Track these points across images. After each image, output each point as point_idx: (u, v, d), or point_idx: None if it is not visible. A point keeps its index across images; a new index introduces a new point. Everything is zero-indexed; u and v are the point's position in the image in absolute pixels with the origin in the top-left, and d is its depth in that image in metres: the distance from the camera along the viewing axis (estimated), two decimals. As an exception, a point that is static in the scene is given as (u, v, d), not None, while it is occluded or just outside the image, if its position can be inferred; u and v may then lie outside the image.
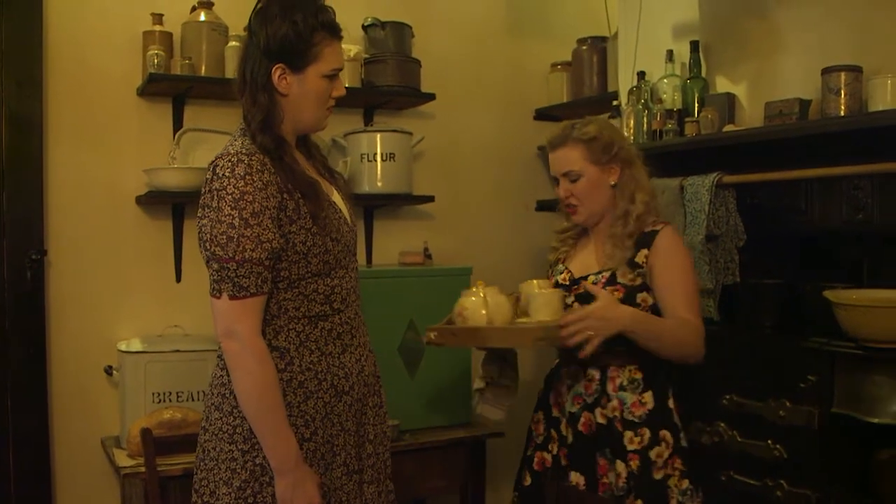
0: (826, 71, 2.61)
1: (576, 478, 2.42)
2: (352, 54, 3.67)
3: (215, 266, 1.97)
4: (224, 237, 1.95)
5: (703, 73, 3.16)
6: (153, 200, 3.44)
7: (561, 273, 2.54)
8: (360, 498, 2.18)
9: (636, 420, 2.37)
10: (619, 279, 2.39)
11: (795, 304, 2.77)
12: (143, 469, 2.73)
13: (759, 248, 2.85)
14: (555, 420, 2.52)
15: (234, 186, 1.96)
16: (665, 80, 3.24)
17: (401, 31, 3.83)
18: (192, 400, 3.20)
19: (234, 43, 3.49)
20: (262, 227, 1.96)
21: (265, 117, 2.07)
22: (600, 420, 2.40)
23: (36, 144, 3.29)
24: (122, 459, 3.03)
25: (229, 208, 1.95)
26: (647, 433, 2.36)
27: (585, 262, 2.53)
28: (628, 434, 2.37)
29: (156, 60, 3.35)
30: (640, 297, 2.38)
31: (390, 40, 3.80)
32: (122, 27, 3.46)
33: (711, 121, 2.98)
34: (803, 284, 2.74)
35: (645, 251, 2.41)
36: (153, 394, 3.17)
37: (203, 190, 2.04)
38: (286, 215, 2.01)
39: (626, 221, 2.43)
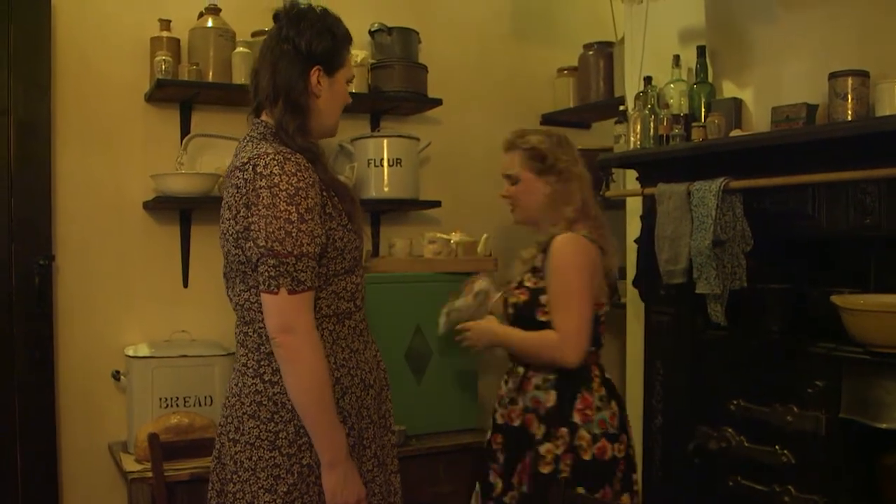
0: (833, 76, 2.61)
1: (494, 476, 2.71)
2: (359, 60, 3.68)
3: (272, 262, 1.99)
4: (282, 232, 1.98)
5: (710, 78, 3.16)
6: (160, 206, 3.45)
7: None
8: (389, 487, 2.24)
9: (541, 416, 2.61)
10: (525, 283, 2.68)
11: (802, 310, 2.77)
12: (150, 474, 2.74)
13: (766, 253, 2.84)
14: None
15: (287, 183, 2.00)
16: (672, 85, 3.23)
17: (407, 37, 3.84)
18: (200, 405, 3.21)
19: (241, 49, 3.50)
20: (314, 223, 2.03)
21: (303, 121, 2.15)
22: (517, 419, 2.66)
23: (44, 150, 3.30)
24: (130, 464, 3.03)
25: (285, 204, 1.99)
26: (542, 429, 2.59)
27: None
28: (536, 427, 2.61)
29: (163, 66, 3.36)
30: (542, 298, 2.63)
31: (397, 46, 3.80)
32: (129, 33, 3.48)
33: (718, 126, 2.98)
34: (810, 289, 2.74)
35: (541, 256, 2.65)
36: (160, 399, 3.18)
37: (240, 190, 2.06)
38: (326, 212, 2.09)
39: (545, 231, 2.68)
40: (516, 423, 2.66)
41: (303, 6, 2.23)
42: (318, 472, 2.05)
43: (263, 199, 2.00)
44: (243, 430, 2.09)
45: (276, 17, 2.23)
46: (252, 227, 2.02)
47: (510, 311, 2.71)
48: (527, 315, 2.65)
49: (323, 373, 2.03)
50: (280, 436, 2.05)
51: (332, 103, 2.23)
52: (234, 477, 2.09)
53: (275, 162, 2.02)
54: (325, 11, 2.24)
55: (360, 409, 2.14)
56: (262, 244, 1.99)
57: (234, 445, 2.10)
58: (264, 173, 2.01)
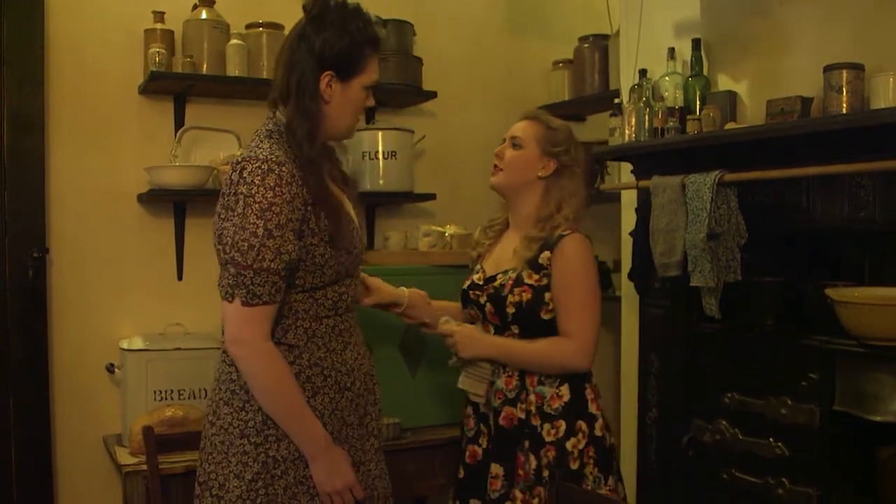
0: (828, 68, 2.61)
1: (496, 469, 2.50)
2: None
3: (232, 271, 2.00)
4: (246, 244, 1.97)
5: (705, 71, 3.16)
6: (155, 198, 3.44)
7: (477, 273, 2.64)
8: (373, 492, 2.23)
9: (553, 413, 2.47)
10: (526, 280, 2.49)
11: (797, 302, 2.77)
12: (144, 467, 2.73)
13: (760, 246, 2.85)
14: (483, 415, 2.58)
15: (262, 196, 1.98)
16: (667, 78, 3.23)
17: (402, 30, 3.83)
18: (194, 398, 3.20)
19: (235, 41, 3.50)
20: (283, 239, 1.99)
21: (312, 126, 2.09)
22: (520, 414, 2.49)
23: (38, 143, 3.29)
24: (124, 457, 3.03)
25: (255, 217, 1.97)
26: (562, 425, 2.46)
27: (499, 259, 2.63)
28: (546, 426, 2.46)
29: (157, 58, 3.35)
30: (547, 296, 2.49)
31: (392, 38, 3.79)
32: (123, 25, 3.46)
33: (713, 119, 2.98)
34: (805, 282, 2.74)
35: (547, 253, 2.50)
36: (155, 392, 3.18)
37: (226, 189, 2.05)
38: (308, 227, 2.05)
39: (543, 226, 2.55)
40: (514, 423, 2.50)
41: (332, 0, 2.16)
42: (286, 466, 2.07)
43: (238, 206, 2.00)
44: (219, 414, 2.13)
45: (304, 7, 2.16)
46: (223, 232, 2.03)
47: (510, 310, 2.50)
48: (530, 314, 2.49)
49: (279, 377, 2.04)
50: (249, 424, 2.07)
51: (342, 110, 2.17)
52: (210, 458, 2.13)
53: (259, 171, 1.99)
54: (352, 10, 2.17)
55: (333, 411, 2.14)
56: (227, 251, 2.01)
57: (211, 428, 2.14)
58: (247, 180, 2.00)
